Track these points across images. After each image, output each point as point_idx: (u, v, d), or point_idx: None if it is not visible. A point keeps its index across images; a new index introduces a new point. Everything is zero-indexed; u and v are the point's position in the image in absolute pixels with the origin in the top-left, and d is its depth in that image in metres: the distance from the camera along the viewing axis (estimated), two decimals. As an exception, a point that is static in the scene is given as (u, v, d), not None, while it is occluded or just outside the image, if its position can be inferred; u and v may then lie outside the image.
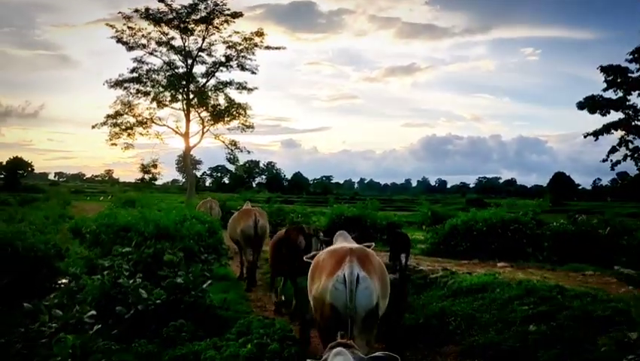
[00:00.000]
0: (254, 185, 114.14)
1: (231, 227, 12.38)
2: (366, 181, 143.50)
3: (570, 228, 13.64)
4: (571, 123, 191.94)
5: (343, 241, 5.57)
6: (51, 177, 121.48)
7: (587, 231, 13.39)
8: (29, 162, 74.84)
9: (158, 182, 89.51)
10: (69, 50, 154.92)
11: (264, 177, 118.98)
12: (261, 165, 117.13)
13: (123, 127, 37.04)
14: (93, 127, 37.08)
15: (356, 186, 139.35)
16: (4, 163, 66.61)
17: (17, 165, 67.36)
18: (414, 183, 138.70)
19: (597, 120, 36.23)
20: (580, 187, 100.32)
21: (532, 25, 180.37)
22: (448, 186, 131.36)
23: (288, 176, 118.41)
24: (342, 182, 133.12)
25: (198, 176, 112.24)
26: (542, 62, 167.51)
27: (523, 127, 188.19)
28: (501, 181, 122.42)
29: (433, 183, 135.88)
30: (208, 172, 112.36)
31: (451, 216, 17.66)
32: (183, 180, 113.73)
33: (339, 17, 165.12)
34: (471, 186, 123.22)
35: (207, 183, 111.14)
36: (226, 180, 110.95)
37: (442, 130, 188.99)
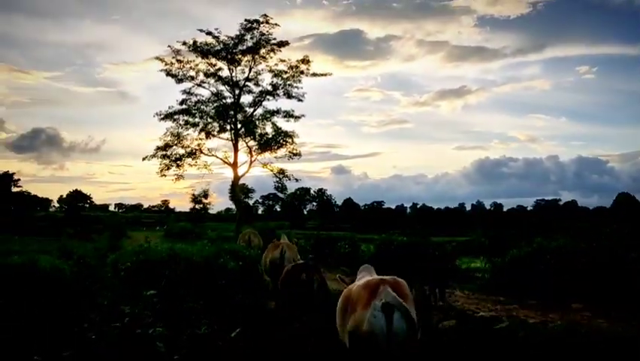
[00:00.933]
0: (305, 212, 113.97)
1: (263, 260, 12.70)
2: (418, 206, 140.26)
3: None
4: (632, 142, 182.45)
5: (367, 276, 5.54)
6: (111, 208, 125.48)
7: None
8: (88, 194, 77.32)
9: (212, 211, 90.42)
10: (127, 87, 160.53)
11: (314, 203, 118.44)
12: (311, 191, 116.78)
13: (172, 158, 36.98)
14: (144, 159, 37.23)
15: (408, 210, 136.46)
16: (65, 196, 68.83)
17: (77, 198, 69.44)
18: (468, 207, 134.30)
19: None
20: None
21: (586, 42, 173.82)
22: (505, 209, 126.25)
23: (339, 202, 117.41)
24: (394, 207, 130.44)
25: (250, 204, 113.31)
26: (599, 80, 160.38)
27: (581, 147, 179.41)
28: (561, 203, 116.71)
29: (488, 206, 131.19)
30: (260, 200, 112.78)
31: (512, 241, 16.19)
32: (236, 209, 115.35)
33: (386, 43, 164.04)
34: (528, 208, 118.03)
35: (260, 211, 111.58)
36: (278, 208, 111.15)
37: (496, 152, 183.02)
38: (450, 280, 12.85)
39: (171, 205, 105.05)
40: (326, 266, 16.37)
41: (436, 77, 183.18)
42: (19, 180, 67.03)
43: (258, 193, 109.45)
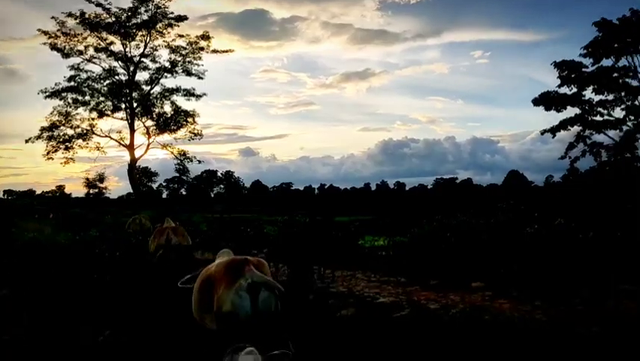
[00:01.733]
0: (212, 195, 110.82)
1: (149, 246, 11.60)
2: (326, 186, 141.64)
3: (544, 234, 11.63)
4: (521, 123, 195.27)
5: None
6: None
7: (569, 237, 11.44)
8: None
9: (114, 196, 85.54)
10: (16, 64, 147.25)
11: (222, 186, 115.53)
12: (218, 174, 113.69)
13: (60, 140, 33.84)
14: (27, 141, 33.83)
15: (316, 191, 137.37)
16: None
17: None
18: (373, 187, 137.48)
19: (547, 119, 35.30)
20: (533, 184, 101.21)
21: (480, 28, 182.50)
22: (407, 188, 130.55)
23: (247, 184, 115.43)
24: (302, 188, 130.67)
25: (154, 188, 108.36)
26: (492, 64, 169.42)
27: (476, 128, 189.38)
28: (458, 181, 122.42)
29: (391, 185, 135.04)
30: (164, 184, 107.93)
31: (414, 219, 16.12)
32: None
33: (292, 24, 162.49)
34: (429, 187, 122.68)
35: (164, 196, 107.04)
36: (183, 192, 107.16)
37: (399, 134, 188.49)
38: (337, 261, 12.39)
39: (67, 191, 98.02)
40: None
41: (341, 60, 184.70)
42: None
43: (163, 176, 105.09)
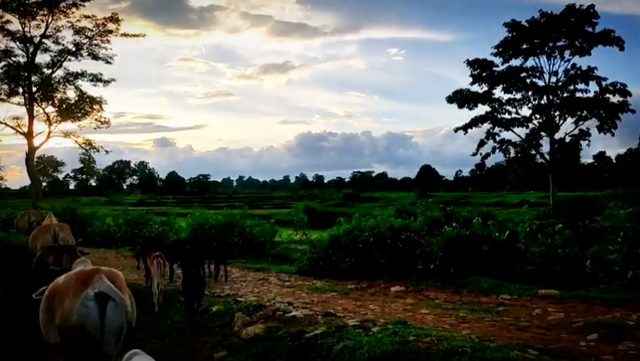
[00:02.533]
0: (125, 186, 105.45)
1: (30, 245, 10.65)
2: (245, 179, 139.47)
3: (464, 233, 11.32)
4: (433, 119, 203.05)
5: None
6: None
7: (484, 236, 11.17)
8: None
9: (15, 186, 79.20)
10: None
11: (135, 177, 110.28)
12: (132, 165, 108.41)
13: (-56, 124, 30.24)
14: None
15: (235, 184, 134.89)
16: None
17: None
18: (292, 180, 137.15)
19: (457, 116, 36.14)
20: (444, 178, 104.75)
21: (396, 26, 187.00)
22: (325, 181, 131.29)
23: (163, 176, 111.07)
24: (220, 180, 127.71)
25: (61, 178, 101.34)
26: (407, 62, 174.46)
27: (391, 123, 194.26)
28: (374, 175, 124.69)
29: (310, 178, 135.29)
30: (72, 174, 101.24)
31: (330, 213, 15.48)
32: (44, 183, 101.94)
33: (210, 13, 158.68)
34: (346, 180, 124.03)
35: (71, 187, 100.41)
36: (93, 183, 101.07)
37: (317, 127, 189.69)
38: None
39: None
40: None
41: (261, 51, 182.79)
42: None
43: (70, 166, 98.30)
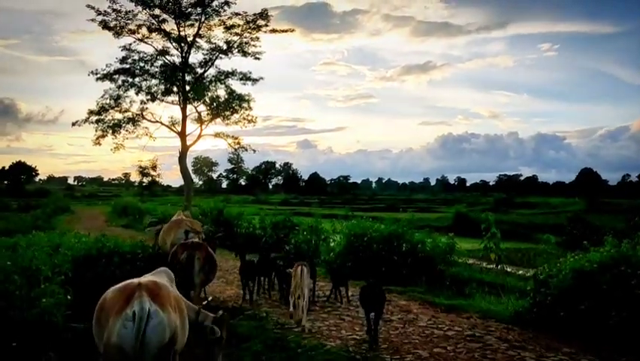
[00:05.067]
0: (270, 186, 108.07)
1: (161, 242, 10.21)
2: (384, 180, 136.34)
3: None
4: (589, 119, 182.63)
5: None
6: (70, 181, 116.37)
7: None
8: (34, 166, 69.93)
9: (175, 184, 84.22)
10: (86, 56, 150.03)
11: (280, 177, 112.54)
12: (277, 165, 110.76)
13: (109, 124, 30.72)
14: (73, 124, 31.09)
15: (374, 185, 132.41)
16: (7, 168, 61.25)
17: (20, 170, 61.89)
18: (432, 182, 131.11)
19: (614, 115, 28.97)
20: (608, 183, 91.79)
21: (548, 20, 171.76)
22: (468, 184, 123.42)
23: (305, 177, 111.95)
24: (359, 182, 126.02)
25: (214, 178, 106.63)
26: (560, 58, 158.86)
27: (541, 123, 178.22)
28: (522, 178, 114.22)
29: (451, 181, 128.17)
30: (224, 174, 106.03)
31: (481, 220, 11.61)
32: (200, 182, 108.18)
33: (353, 17, 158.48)
34: (491, 183, 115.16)
35: (224, 185, 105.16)
36: (242, 182, 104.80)
37: (460, 128, 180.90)
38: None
39: (133, 178, 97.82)
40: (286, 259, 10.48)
41: (402, 52, 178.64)
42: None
43: (223, 166, 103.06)
